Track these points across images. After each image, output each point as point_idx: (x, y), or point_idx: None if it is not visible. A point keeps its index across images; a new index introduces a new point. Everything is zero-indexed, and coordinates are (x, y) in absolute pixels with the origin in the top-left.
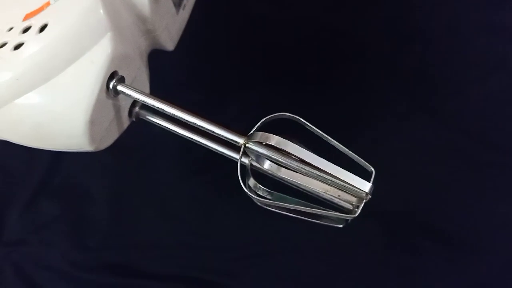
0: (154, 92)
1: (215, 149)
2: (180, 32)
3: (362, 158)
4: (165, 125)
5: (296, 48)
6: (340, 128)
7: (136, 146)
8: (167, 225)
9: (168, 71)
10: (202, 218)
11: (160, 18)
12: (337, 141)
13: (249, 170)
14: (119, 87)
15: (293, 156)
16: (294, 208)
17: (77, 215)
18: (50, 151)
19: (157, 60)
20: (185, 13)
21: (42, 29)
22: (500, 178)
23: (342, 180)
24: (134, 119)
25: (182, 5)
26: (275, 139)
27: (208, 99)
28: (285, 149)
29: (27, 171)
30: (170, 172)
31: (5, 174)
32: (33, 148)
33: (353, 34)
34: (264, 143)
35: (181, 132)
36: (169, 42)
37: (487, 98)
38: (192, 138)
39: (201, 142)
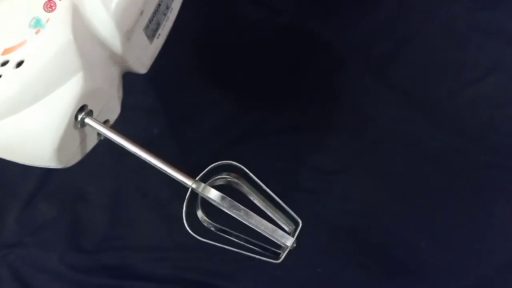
0: (151, 93)
1: (172, 175)
2: (153, 57)
3: (361, 160)
4: (129, 148)
5: (292, 50)
6: (336, 130)
7: None
8: (163, 227)
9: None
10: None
11: (133, 52)
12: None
13: (199, 202)
14: (86, 120)
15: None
16: (228, 246)
17: (74, 217)
18: None
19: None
20: (160, 40)
21: (19, 64)
22: (496, 179)
23: (269, 234)
24: (102, 138)
25: (156, 35)
26: (212, 194)
27: (205, 102)
28: (219, 205)
29: (24, 173)
30: (166, 174)
31: (2, 176)
32: None
33: (349, 35)
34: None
35: (142, 156)
36: (141, 68)
37: (483, 99)
38: (153, 163)
39: (160, 168)
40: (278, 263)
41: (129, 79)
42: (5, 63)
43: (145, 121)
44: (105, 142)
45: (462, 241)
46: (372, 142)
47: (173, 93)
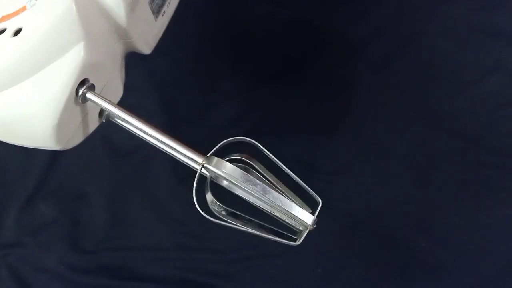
0: (151, 93)
1: (179, 158)
2: (158, 37)
3: (360, 160)
4: (132, 130)
5: (292, 50)
6: (336, 130)
7: (133, 148)
8: (163, 228)
9: (166, 72)
10: (198, 221)
11: (137, 26)
12: (337, 141)
13: (208, 184)
14: (88, 95)
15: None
16: (243, 228)
17: (74, 217)
18: (47, 152)
19: (155, 61)
20: (164, 19)
21: (17, 33)
22: (497, 179)
23: (288, 212)
24: (104, 121)
25: (162, 11)
26: (227, 168)
27: (205, 101)
28: (234, 180)
29: (24, 173)
30: (166, 174)
31: (1, 175)
32: (31, 149)
33: (349, 35)
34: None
35: (147, 139)
36: (145, 47)
37: (483, 99)
38: (158, 146)
39: (166, 151)
40: (286, 257)
41: (129, 78)
42: (1, 32)
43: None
44: (104, 143)
45: (462, 241)
46: (372, 142)
47: (173, 92)
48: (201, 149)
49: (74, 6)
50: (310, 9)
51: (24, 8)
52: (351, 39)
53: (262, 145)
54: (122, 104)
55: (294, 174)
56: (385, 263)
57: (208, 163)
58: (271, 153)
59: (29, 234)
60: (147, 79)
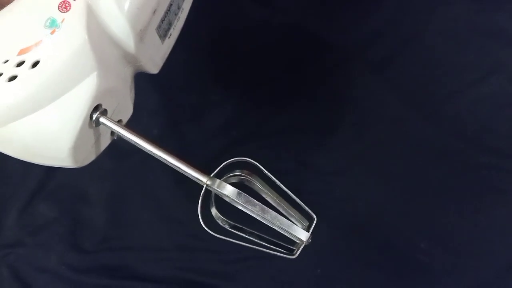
0: (152, 94)
1: (186, 173)
2: (165, 57)
3: (360, 161)
4: (143, 147)
5: (293, 51)
6: (337, 131)
7: (133, 149)
8: (163, 228)
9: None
10: (198, 221)
11: (145, 51)
12: (337, 141)
13: (213, 199)
14: (101, 119)
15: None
16: (243, 242)
17: (74, 217)
18: None
19: None
20: (171, 40)
21: (35, 65)
22: (496, 180)
23: (284, 229)
24: (115, 138)
25: (168, 35)
26: (228, 190)
27: (205, 103)
28: (235, 201)
29: (24, 173)
30: (166, 175)
31: (2, 176)
32: None
33: (349, 36)
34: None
35: (156, 154)
36: (153, 68)
37: (482, 101)
38: (166, 161)
39: (175, 166)
40: (285, 258)
41: None
42: (21, 64)
43: (146, 121)
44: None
45: (461, 242)
46: (372, 143)
47: (174, 94)
48: (201, 150)
49: (88, 39)
50: (310, 11)
51: (41, 42)
52: (351, 40)
53: (261, 145)
54: None
55: (293, 174)
56: (385, 263)
57: (212, 184)
58: (271, 153)
59: (30, 234)
60: (147, 81)
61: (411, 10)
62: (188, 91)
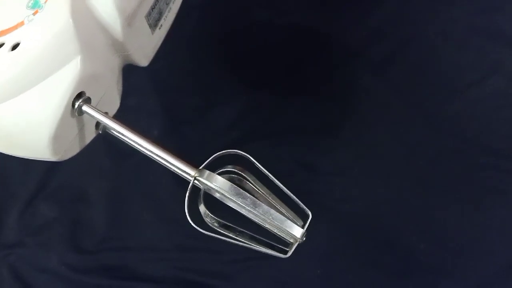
0: (152, 95)
1: (174, 170)
2: (155, 49)
3: (360, 162)
4: (127, 141)
5: (292, 52)
6: (336, 132)
7: (133, 149)
8: (163, 228)
9: (166, 75)
10: (199, 221)
11: (134, 40)
12: (337, 142)
13: (202, 196)
14: (84, 108)
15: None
16: (234, 240)
17: (74, 217)
18: None
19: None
20: (161, 32)
21: (15, 47)
22: (496, 181)
23: (277, 225)
24: (100, 132)
25: (159, 25)
26: (218, 181)
27: (206, 104)
28: (224, 192)
29: (25, 173)
30: (166, 175)
31: (3, 176)
32: None
33: (349, 37)
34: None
35: (142, 150)
36: (142, 60)
37: (482, 101)
38: (153, 158)
39: (161, 162)
40: (285, 258)
41: (130, 80)
42: (0, 46)
43: (146, 122)
44: (105, 144)
45: (461, 243)
46: (372, 143)
47: (174, 95)
48: (202, 151)
49: (71, 22)
50: (310, 11)
51: (22, 23)
52: (351, 42)
53: (262, 146)
54: (124, 106)
55: (294, 174)
56: (384, 264)
57: (200, 176)
58: (271, 153)
59: (30, 234)
60: (148, 82)
61: (411, 11)
62: (189, 92)
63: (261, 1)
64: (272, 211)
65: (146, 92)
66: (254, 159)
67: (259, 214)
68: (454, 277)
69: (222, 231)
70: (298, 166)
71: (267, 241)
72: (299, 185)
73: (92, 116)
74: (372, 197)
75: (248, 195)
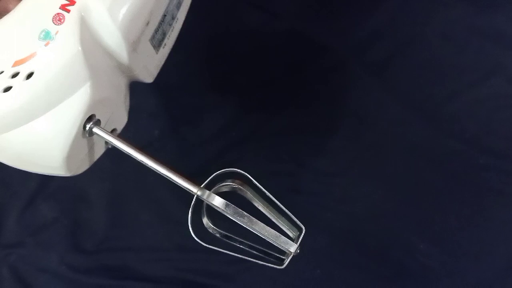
0: (151, 96)
1: (177, 183)
2: (160, 66)
3: (359, 162)
4: (136, 157)
5: (291, 53)
6: (335, 133)
7: None
8: (163, 228)
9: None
10: (199, 222)
11: (139, 62)
12: (336, 143)
13: (204, 209)
14: (94, 129)
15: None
16: (233, 252)
17: (75, 217)
18: None
19: None
20: (165, 50)
21: (29, 76)
22: (495, 182)
23: (272, 240)
24: (109, 147)
25: (162, 44)
26: (217, 201)
27: (206, 104)
28: (223, 212)
29: (25, 173)
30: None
31: (3, 176)
32: None
33: (348, 38)
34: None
35: (148, 164)
36: (147, 77)
37: (481, 102)
38: (159, 171)
39: (167, 176)
40: (293, 258)
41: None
42: (15, 75)
43: (146, 123)
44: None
45: (461, 243)
46: (371, 144)
47: (174, 96)
48: (201, 152)
49: (81, 51)
50: (308, 13)
51: (35, 54)
52: (350, 42)
53: (261, 147)
54: None
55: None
56: (384, 264)
57: (201, 195)
58: (270, 154)
59: (30, 234)
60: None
61: (409, 12)
62: (188, 93)
63: (261, 2)
64: (267, 227)
65: (146, 93)
66: (254, 159)
67: (256, 230)
68: (454, 278)
69: (223, 241)
70: (296, 166)
71: (266, 250)
72: (298, 186)
73: (102, 137)
74: (372, 197)
75: (245, 214)
